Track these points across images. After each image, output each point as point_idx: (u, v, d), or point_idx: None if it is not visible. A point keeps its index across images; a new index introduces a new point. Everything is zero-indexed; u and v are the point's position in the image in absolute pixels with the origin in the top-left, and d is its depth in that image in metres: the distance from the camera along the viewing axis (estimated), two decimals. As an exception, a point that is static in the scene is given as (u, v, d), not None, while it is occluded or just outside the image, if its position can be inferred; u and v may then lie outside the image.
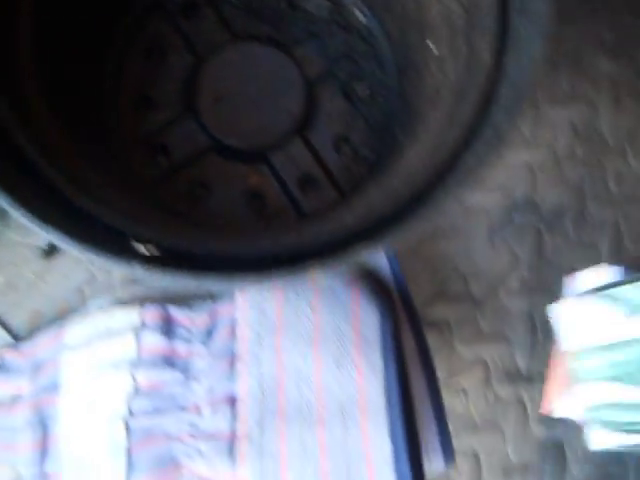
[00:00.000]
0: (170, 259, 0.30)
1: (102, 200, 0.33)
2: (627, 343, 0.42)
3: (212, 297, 0.44)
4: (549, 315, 0.47)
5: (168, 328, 0.41)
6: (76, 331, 0.42)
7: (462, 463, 0.48)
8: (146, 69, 0.49)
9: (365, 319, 0.38)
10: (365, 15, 0.50)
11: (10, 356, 0.43)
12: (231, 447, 0.36)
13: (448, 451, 0.40)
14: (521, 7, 0.32)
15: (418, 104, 0.43)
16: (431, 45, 0.42)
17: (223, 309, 0.42)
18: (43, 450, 0.40)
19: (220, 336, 0.40)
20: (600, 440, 0.44)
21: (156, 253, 0.31)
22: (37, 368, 0.42)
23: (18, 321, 0.48)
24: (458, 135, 0.33)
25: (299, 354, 0.37)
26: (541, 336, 0.49)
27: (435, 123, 0.37)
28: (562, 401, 0.47)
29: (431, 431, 0.41)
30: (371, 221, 0.31)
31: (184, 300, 0.44)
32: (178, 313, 0.42)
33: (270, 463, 0.35)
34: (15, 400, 0.42)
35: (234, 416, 0.37)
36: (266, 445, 0.35)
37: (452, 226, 0.50)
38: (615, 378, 0.42)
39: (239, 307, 0.40)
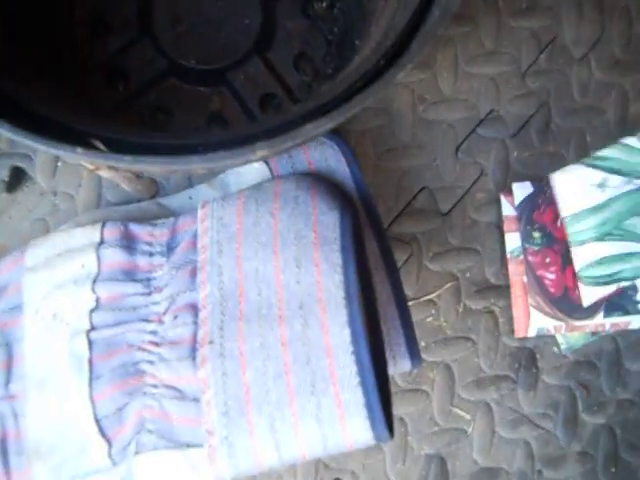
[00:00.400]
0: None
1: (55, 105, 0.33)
2: (613, 199, 0.45)
3: (172, 216, 0.43)
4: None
5: (129, 243, 0.41)
6: (36, 252, 0.42)
7: (435, 375, 0.48)
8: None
9: (324, 220, 0.37)
10: None
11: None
12: (192, 351, 0.36)
13: (414, 353, 0.40)
14: None
15: (373, 7, 0.42)
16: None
17: (184, 223, 0.41)
18: (8, 371, 0.39)
19: (181, 248, 0.40)
20: (590, 295, 0.45)
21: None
22: (0, 291, 0.42)
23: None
24: (408, 18, 0.33)
25: (259, 259, 0.37)
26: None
27: (386, 15, 0.37)
28: (531, 318, 0.47)
29: (397, 333, 0.41)
30: (319, 107, 0.31)
31: (145, 221, 0.43)
32: (139, 229, 0.41)
33: (231, 363, 0.34)
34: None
35: (195, 322, 0.36)
36: (227, 346, 0.35)
37: (417, 142, 0.49)
38: (605, 234, 0.45)
39: (200, 219, 0.40)
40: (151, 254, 0.40)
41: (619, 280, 0.45)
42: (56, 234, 0.42)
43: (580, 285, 0.44)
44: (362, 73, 0.32)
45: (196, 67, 0.47)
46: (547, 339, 0.48)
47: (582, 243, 0.45)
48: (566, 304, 0.47)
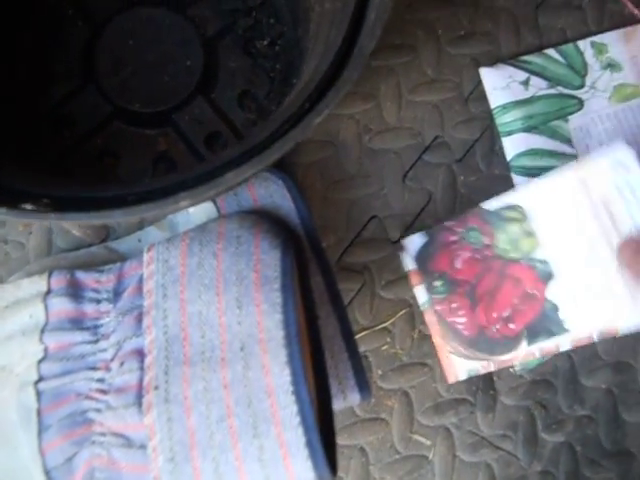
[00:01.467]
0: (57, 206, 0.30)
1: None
2: (537, 98, 0.50)
3: (121, 261, 0.43)
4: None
5: (75, 291, 0.41)
6: (-16, 306, 0.42)
7: (393, 402, 0.48)
8: (41, 42, 0.49)
9: (266, 259, 0.38)
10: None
11: None
12: (139, 398, 0.36)
13: (363, 386, 0.41)
14: None
15: (306, 44, 0.43)
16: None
17: (130, 268, 0.41)
18: (-43, 427, 0.39)
19: (128, 293, 0.40)
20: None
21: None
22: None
23: None
24: (331, 61, 0.33)
25: (202, 302, 0.37)
26: (460, 271, 0.49)
27: (315, 57, 0.38)
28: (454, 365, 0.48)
29: (345, 367, 0.41)
30: (241, 154, 0.31)
31: (93, 267, 0.43)
32: (85, 277, 0.41)
33: (175, 408, 0.34)
34: None
35: (141, 368, 0.37)
36: (171, 391, 0.35)
37: (364, 172, 0.50)
38: (532, 127, 0.50)
39: (146, 263, 0.40)
40: (98, 301, 0.40)
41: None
42: (3, 286, 0.42)
43: (512, 175, 0.50)
44: (287, 116, 0.32)
45: (140, 110, 0.48)
46: (503, 360, 0.49)
47: (510, 133, 0.50)
48: (484, 344, 0.46)
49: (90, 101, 0.48)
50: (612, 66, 0.51)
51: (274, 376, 0.33)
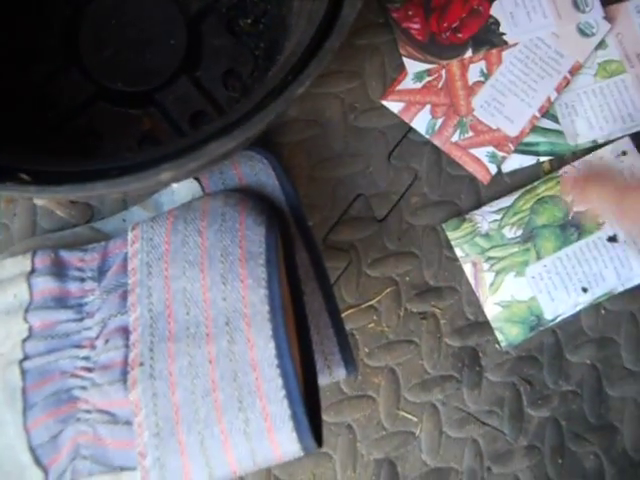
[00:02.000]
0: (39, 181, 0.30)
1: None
2: None
3: (106, 240, 0.43)
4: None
5: (59, 270, 0.41)
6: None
7: (380, 379, 0.48)
8: (23, 23, 0.48)
9: (250, 236, 0.37)
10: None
11: None
12: (124, 374, 0.36)
13: (349, 361, 0.41)
14: None
15: (290, 22, 0.43)
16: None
17: (115, 247, 0.41)
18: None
19: (112, 272, 0.40)
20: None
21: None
22: None
23: None
24: (313, 33, 0.33)
25: (187, 278, 0.37)
26: (446, 248, 0.50)
27: (297, 32, 0.37)
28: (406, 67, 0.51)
29: (330, 342, 0.41)
30: (225, 127, 0.31)
31: (78, 247, 0.43)
32: (69, 255, 0.41)
33: (161, 384, 0.34)
34: None
35: (127, 345, 0.37)
36: (156, 367, 0.35)
37: (350, 150, 0.50)
38: None
39: (130, 242, 0.40)
40: (82, 279, 0.40)
41: (537, 152, 0.50)
42: None
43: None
44: (269, 90, 0.32)
45: (124, 89, 0.47)
46: (488, 337, 0.49)
47: None
48: (434, 47, 0.51)
49: (73, 81, 0.48)
50: (597, 43, 0.51)
51: (259, 349, 0.33)
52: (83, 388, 0.37)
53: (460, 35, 0.51)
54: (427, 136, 0.50)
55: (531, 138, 0.50)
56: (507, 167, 0.50)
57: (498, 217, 0.47)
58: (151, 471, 0.33)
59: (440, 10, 0.51)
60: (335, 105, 0.50)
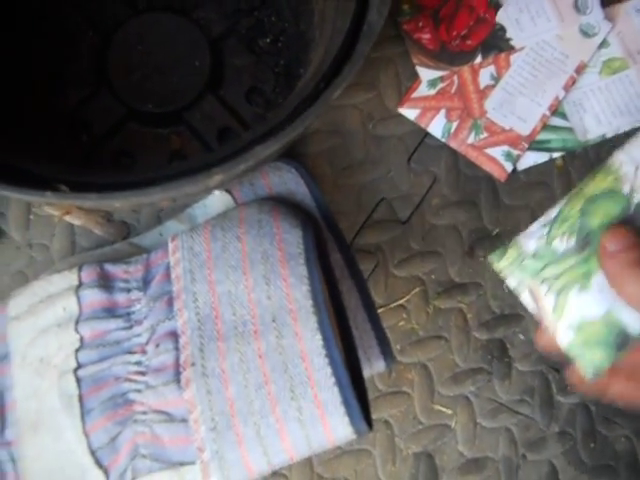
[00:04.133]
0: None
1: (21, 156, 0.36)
2: None
3: (147, 253, 0.45)
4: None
5: (106, 283, 0.43)
6: (18, 302, 0.43)
7: (413, 375, 0.50)
8: (56, 52, 0.51)
9: (288, 238, 0.40)
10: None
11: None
12: (177, 375, 0.38)
13: (387, 353, 0.43)
14: None
15: (312, 36, 0.45)
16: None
17: (157, 258, 0.43)
18: (1, 419, 0.41)
19: (156, 281, 0.42)
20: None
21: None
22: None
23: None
24: (342, 41, 0.36)
25: (231, 282, 0.39)
26: (467, 245, 0.52)
27: (323, 43, 0.40)
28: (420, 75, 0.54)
29: (369, 336, 0.43)
30: (267, 132, 0.33)
31: (120, 260, 0.45)
32: (114, 268, 0.43)
33: (214, 381, 0.36)
34: (-32, 378, 0.43)
35: (176, 348, 0.38)
36: (208, 366, 0.37)
37: (371, 158, 0.52)
38: None
39: (171, 252, 0.42)
40: (128, 290, 0.42)
41: (549, 149, 0.53)
42: (36, 283, 0.44)
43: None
44: (304, 97, 0.34)
45: (153, 111, 0.50)
46: (515, 329, 0.51)
47: None
48: (445, 55, 0.54)
49: (104, 105, 0.50)
50: (600, 43, 0.54)
51: (307, 341, 0.35)
52: (138, 391, 0.38)
53: (469, 42, 0.53)
54: (443, 140, 0.52)
55: (543, 136, 0.52)
56: (522, 165, 0.52)
57: (544, 231, 0.38)
58: (211, 463, 0.35)
59: (448, 20, 0.54)
60: (354, 115, 0.53)
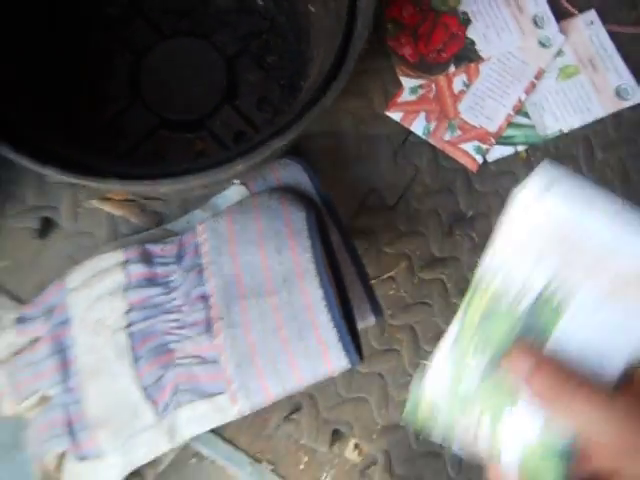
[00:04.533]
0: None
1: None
2: None
3: (178, 235, 0.55)
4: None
5: (147, 259, 0.52)
6: (74, 277, 0.53)
7: (402, 336, 0.59)
8: (95, 71, 0.61)
9: (294, 219, 0.49)
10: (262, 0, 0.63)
11: (25, 310, 0.54)
12: (208, 327, 0.47)
13: (377, 309, 0.52)
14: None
15: (310, 54, 0.55)
16: (311, 8, 0.54)
17: (187, 239, 0.53)
18: (65, 371, 0.50)
19: (188, 256, 0.51)
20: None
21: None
22: (49, 312, 0.53)
23: (27, 293, 0.58)
24: (332, 60, 0.45)
25: (249, 254, 0.48)
26: (447, 226, 0.61)
27: (319, 60, 0.50)
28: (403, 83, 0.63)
29: (362, 298, 0.52)
30: (278, 130, 0.43)
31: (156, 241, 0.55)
32: (153, 247, 0.53)
33: (238, 330, 0.46)
34: (35, 341, 0.52)
35: (207, 307, 0.48)
36: (233, 319, 0.46)
37: (362, 154, 0.62)
38: None
39: (199, 233, 0.52)
40: (166, 264, 0.52)
41: (514, 143, 0.62)
42: (88, 262, 0.54)
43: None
44: (305, 103, 0.44)
45: (180, 119, 0.60)
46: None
47: None
48: (424, 66, 0.64)
49: (138, 115, 0.60)
50: (556, 52, 0.63)
51: (310, 295, 0.45)
52: (177, 342, 0.48)
53: (444, 55, 0.63)
54: (424, 137, 0.62)
55: (508, 132, 0.62)
56: (491, 157, 0.62)
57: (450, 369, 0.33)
58: (237, 392, 0.44)
59: (426, 37, 0.64)
60: (348, 119, 0.63)
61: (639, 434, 0.27)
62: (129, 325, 0.50)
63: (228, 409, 0.45)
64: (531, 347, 0.31)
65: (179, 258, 0.52)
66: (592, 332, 0.30)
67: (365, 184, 0.61)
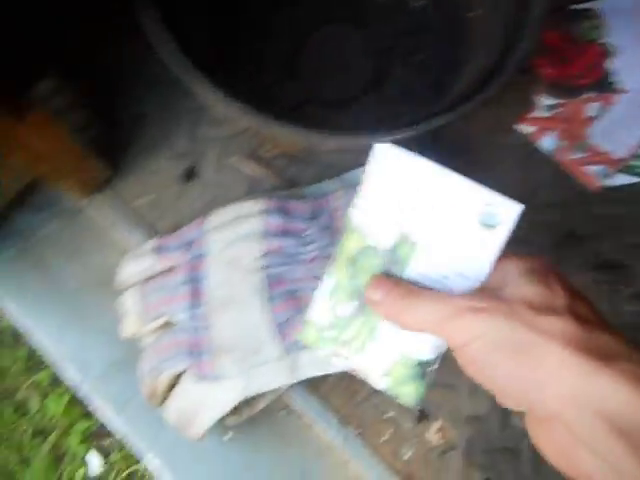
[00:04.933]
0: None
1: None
2: None
3: (312, 197, 0.59)
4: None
5: (286, 212, 0.57)
6: (213, 218, 0.58)
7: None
8: (259, 44, 0.66)
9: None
10: (419, 1, 0.67)
11: (165, 240, 0.59)
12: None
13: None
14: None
15: (465, 56, 0.59)
16: (473, 15, 0.59)
17: (322, 202, 0.58)
18: (194, 299, 0.55)
19: (323, 217, 0.56)
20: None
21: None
22: (187, 245, 0.58)
23: (163, 228, 0.64)
24: (497, 57, 0.50)
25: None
26: (556, 240, 0.64)
27: (477, 60, 0.54)
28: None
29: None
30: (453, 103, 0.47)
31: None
32: (292, 203, 0.58)
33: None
34: (172, 269, 0.58)
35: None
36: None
37: (489, 159, 0.65)
38: None
39: (337, 198, 0.57)
40: (302, 219, 0.57)
41: (637, 174, 0.63)
42: (228, 207, 0.59)
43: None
44: (478, 84, 0.48)
45: (328, 97, 0.65)
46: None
47: None
48: (562, 88, 0.68)
49: (291, 87, 0.65)
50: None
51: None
52: (307, 291, 0.53)
53: (583, 81, 0.67)
54: (550, 153, 0.65)
55: (633, 162, 0.65)
56: (611, 183, 0.65)
57: (330, 303, 0.39)
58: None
59: (569, 61, 0.67)
60: (480, 125, 0.67)
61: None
62: (265, 267, 0.54)
63: (346, 359, 0.49)
64: (385, 276, 0.36)
65: (314, 216, 0.57)
66: (438, 265, 0.36)
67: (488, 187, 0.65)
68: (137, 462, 1.12)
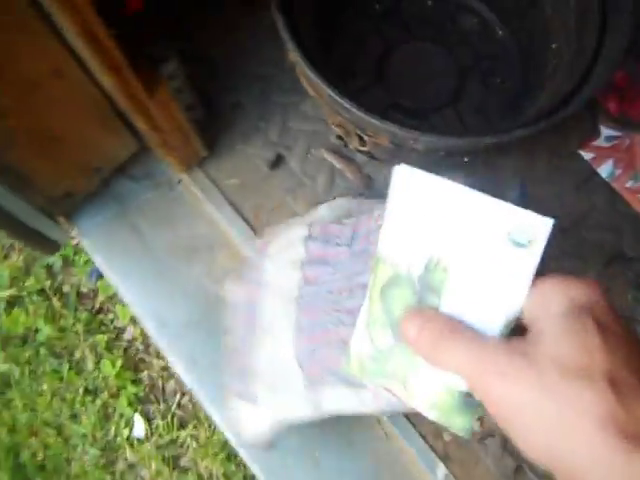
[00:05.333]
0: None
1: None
2: None
3: (356, 215, 0.59)
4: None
5: (325, 238, 0.56)
6: (273, 244, 0.60)
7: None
8: (349, 51, 0.73)
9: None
10: (502, 31, 0.74)
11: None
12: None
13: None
14: (615, 7, 0.55)
15: (540, 82, 0.65)
16: (553, 46, 0.65)
17: (362, 222, 0.56)
18: (248, 327, 0.57)
19: (360, 241, 0.54)
20: None
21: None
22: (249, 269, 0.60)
23: (247, 211, 0.70)
24: (574, 84, 0.55)
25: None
26: (607, 259, 0.69)
27: (552, 88, 0.60)
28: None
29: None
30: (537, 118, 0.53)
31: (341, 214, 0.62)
32: (333, 227, 0.57)
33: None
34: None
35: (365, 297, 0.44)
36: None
37: (547, 179, 0.71)
38: None
39: (376, 219, 0.54)
40: (339, 245, 0.55)
41: None
42: (283, 228, 0.60)
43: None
44: (556, 104, 0.54)
45: (409, 106, 0.71)
46: None
47: None
48: (623, 121, 0.73)
49: (376, 94, 0.72)
50: None
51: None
52: (334, 324, 0.51)
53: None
54: (608, 180, 0.71)
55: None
56: (663, 212, 0.70)
57: (368, 335, 0.37)
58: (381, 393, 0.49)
59: (631, 99, 0.73)
60: (542, 147, 0.72)
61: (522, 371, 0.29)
62: (300, 297, 0.54)
63: (369, 404, 0.48)
64: (419, 310, 0.33)
65: (352, 240, 0.55)
66: (473, 289, 0.33)
67: (546, 207, 0.70)
68: (178, 429, 1.19)
